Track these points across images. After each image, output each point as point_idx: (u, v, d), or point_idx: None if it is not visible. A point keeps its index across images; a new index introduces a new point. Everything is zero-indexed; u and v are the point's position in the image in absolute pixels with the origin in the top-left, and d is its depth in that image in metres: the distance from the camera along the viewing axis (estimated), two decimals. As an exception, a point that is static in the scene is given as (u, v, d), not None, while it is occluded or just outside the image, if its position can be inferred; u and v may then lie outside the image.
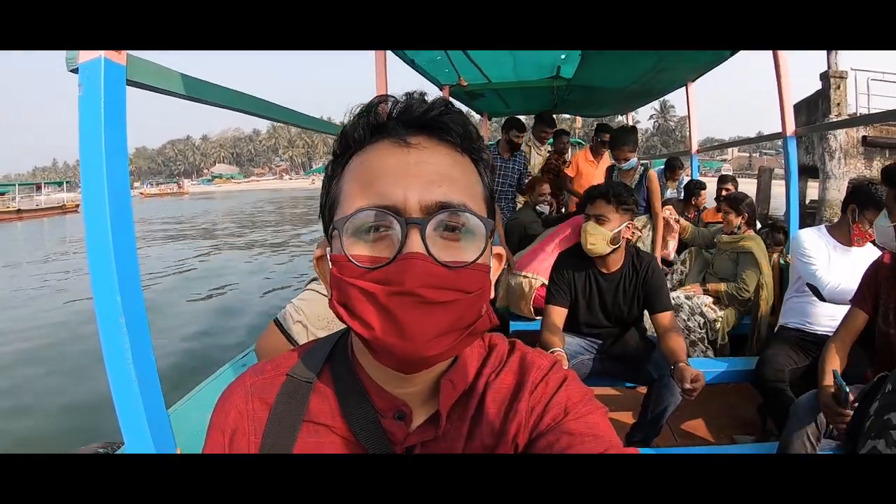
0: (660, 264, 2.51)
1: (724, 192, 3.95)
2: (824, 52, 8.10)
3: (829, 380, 1.55)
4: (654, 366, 1.95)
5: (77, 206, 31.79)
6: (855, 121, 4.93)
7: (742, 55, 3.42)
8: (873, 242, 2.00)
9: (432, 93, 0.50)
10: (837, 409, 1.46)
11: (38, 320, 6.89)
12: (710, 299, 2.78)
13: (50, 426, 3.89)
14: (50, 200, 35.71)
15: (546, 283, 2.83)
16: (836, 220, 6.88)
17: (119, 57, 1.00)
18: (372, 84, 2.81)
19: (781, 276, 3.03)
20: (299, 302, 1.34)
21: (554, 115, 4.82)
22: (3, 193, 35.07)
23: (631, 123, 3.13)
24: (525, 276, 2.90)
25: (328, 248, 0.49)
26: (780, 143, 2.98)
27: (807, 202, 8.43)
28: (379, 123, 0.47)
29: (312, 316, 1.31)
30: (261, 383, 0.54)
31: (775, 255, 2.99)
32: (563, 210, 4.75)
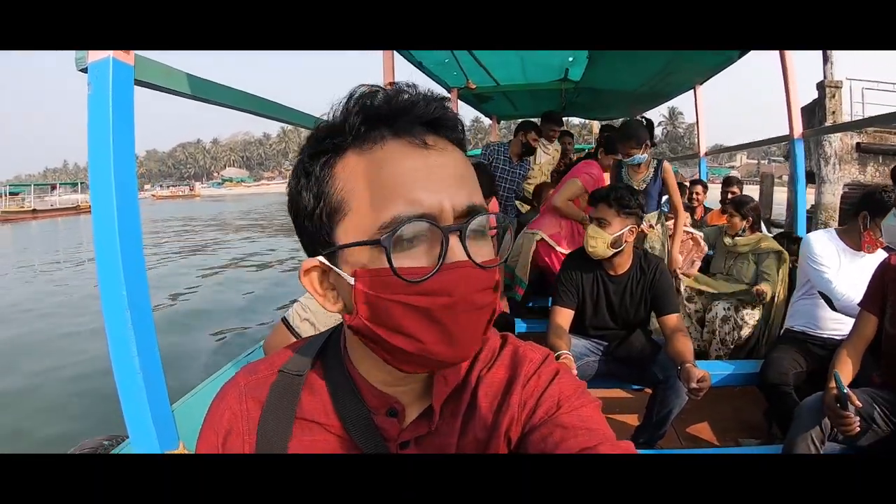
0: (670, 270, 2.50)
1: (729, 195, 3.91)
2: (821, 62, 8.36)
3: (832, 381, 1.53)
4: (659, 368, 1.94)
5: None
6: (861, 122, 4.92)
7: (749, 58, 3.40)
8: (885, 249, 1.97)
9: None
10: (838, 412, 1.44)
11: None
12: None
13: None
14: (63, 201, 36.28)
15: (544, 237, 2.92)
16: (832, 223, 6.84)
17: (127, 57, 1.02)
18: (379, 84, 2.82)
19: (789, 280, 3.00)
20: (306, 300, 1.34)
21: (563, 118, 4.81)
22: (16, 194, 35.75)
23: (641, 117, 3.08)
24: (526, 234, 3.00)
25: (324, 260, 0.45)
26: (782, 150, 2.96)
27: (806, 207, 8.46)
28: (386, 118, 0.44)
29: (319, 313, 1.32)
30: (254, 383, 0.53)
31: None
32: None
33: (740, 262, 2.87)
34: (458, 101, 4.83)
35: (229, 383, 0.55)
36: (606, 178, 3.01)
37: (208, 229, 19.94)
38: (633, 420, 2.35)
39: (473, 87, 4.41)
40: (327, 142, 0.45)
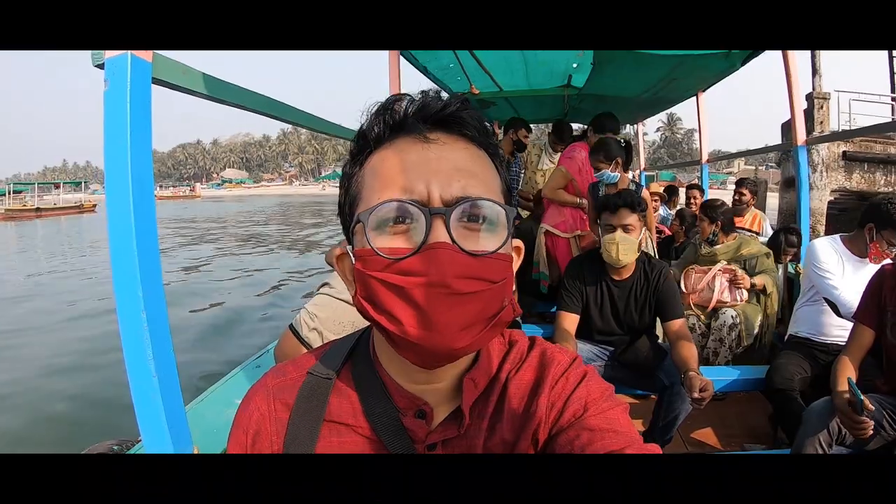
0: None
1: (742, 197, 3.85)
2: (810, 75, 8.79)
3: (843, 385, 1.54)
4: (665, 373, 1.94)
5: (94, 205, 32.76)
6: (866, 129, 5.01)
7: (750, 66, 3.41)
8: (894, 259, 1.98)
9: None
10: (854, 417, 1.45)
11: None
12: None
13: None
14: (66, 200, 36.38)
15: (548, 228, 2.99)
16: (819, 227, 7.01)
17: (146, 54, 1.00)
18: (385, 91, 2.85)
19: (790, 285, 3.01)
20: (313, 308, 1.33)
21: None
22: (19, 192, 35.86)
23: (621, 137, 3.12)
24: (539, 230, 3.07)
25: (349, 246, 0.49)
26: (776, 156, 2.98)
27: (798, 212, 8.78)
28: (397, 121, 0.48)
29: (328, 321, 1.30)
30: (282, 384, 0.54)
31: (788, 259, 2.95)
32: None
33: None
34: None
35: (258, 384, 0.56)
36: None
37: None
38: (638, 426, 2.35)
39: (477, 92, 4.42)
40: (359, 143, 0.50)
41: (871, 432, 1.45)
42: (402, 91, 0.52)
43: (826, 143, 7.82)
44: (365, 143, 0.49)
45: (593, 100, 4.75)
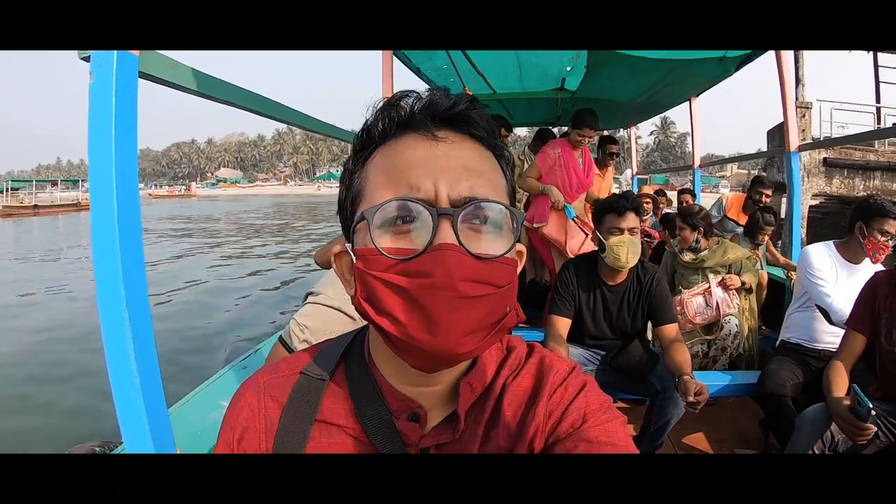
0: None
1: (764, 197, 3.73)
2: (793, 84, 9.32)
3: (839, 391, 1.54)
4: (657, 378, 1.93)
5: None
6: (861, 136, 5.15)
7: (747, 71, 3.44)
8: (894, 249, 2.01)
9: None
10: (858, 423, 1.45)
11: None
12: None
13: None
14: (63, 198, 36.33)
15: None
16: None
17: None
18: (378, 92, 2.83)
19: (782, 290, 3.03)
20: (302, 319, 1.30)
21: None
22: (17, 189, 35.83)
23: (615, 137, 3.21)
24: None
25: (348, 244, 0.48)
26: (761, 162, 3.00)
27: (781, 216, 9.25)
28: (403, 117, 0.47)
29: (318, 331, 1.28)
30: (274, 382, 0.53)
31: (766, 238, 2.99)
32: None
33: (704, 277, 2.75)
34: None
35: (249, 381, 0.55)
36: (576, 158, 3.15)
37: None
38: (629, 430, 2.34)
39: (470, 94, 4.41)
40: (360, 140, 0.49)
41: (869, 439, 1.46)
42: (395, 92, 0.51)
43: (808, 151, 8.02)
44: (369, 139, 0.48)
45: (586, 103, 4.77)
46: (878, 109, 10.80)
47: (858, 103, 10.69)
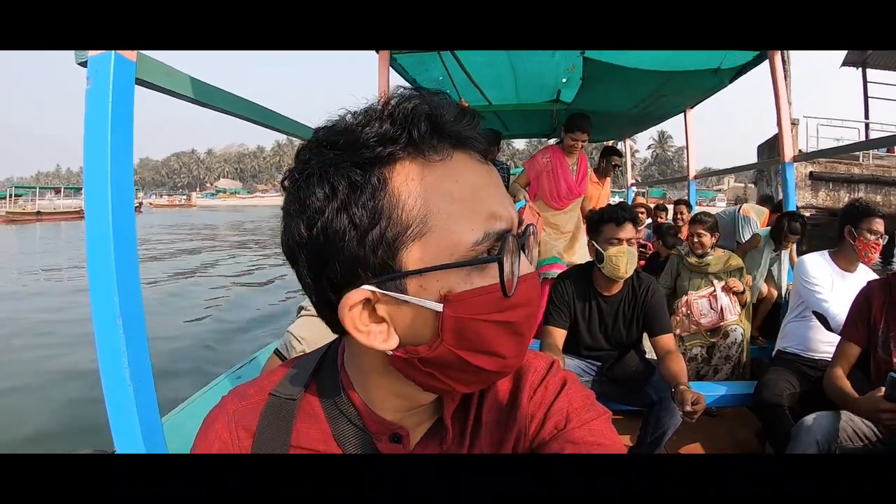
0: None
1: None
2: (768, 111, 9.78)
3: (854, 394, 1.52)
4: (653, 388, 1.93)
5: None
6: (856, 146, 5.23)
7: (738, 85, 3.49)
8: (882, 255, 2.03)
9: None
10: None
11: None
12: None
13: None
14: (66, 205, 36.53)
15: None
16: None
17: (129, 53, 0.98)
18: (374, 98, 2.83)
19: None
20: (298, 330, 1.29)
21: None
22: (20, 196, 36.55)
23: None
24: None
25: (377, 290, 0.39)
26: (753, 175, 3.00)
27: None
28: (444, 125, 0.40)
29: (314, 342, 1.27)
30: (244, 409, 0.50)
31: (793, 246, 2.93)
32: None
33: (708, 282, 2.82)
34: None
35: (217, 409, 0.51)
36: (568, 165, 3.12)
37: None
38: (626, 441, 2.33)
39: (466, 105, 4.45)
40: (379, 150, 0.38)
41: None
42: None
43: (801, 162, 8.20)
44: (395, 148, 0.38)
45: (582, 115, 4.81)
46: (867, 125, 11.29)
47: (844, 119, 11.66)
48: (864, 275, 2.12)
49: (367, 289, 0.39)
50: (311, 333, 1.28)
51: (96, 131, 0.94)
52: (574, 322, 2.02)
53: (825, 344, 2.14)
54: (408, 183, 0.38)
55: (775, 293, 3.13)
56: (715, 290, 2.66)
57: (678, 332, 2.67)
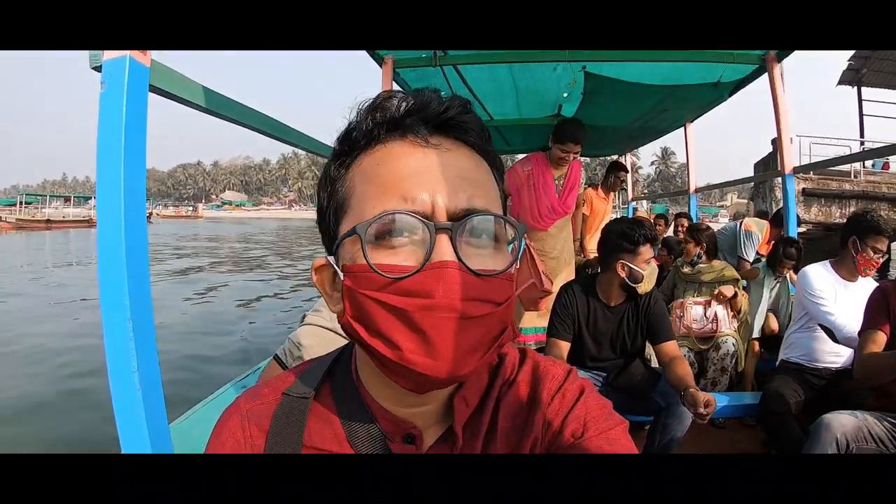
0: None
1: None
2: (768, 125, 10.15)
3: (891, 354, 1.49)
4: (660, 395, 1.92)
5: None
6: (856, 156, 5.29)
7: (739, 98, 3.51)
8: (878, 271, 2.03)
9: None
10: None
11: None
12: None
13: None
14: (75, 214, 36.97)
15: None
16: None
17: (144, 59, 0.98)
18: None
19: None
20: (297, 337, 1.29)
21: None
22: (30, 203, 37.48)
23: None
24: None
25: (331, 258, 0.44)
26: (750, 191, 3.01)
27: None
28: (393, 120, 0.43)
29: (313, 349, 1.27)
30: (257, 409, 0.50)
31: (788, 271, 2.93)
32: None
33: (704, 291, 2.84)
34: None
35: (231, 408, 0.51)
36: (552, 179, 2.80)
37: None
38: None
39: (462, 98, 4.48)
40: (344, 143, 0.45)
41: None
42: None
43: (801, 173, 8.26)
44: (353, 143, 0.44)
45: (584, 129, 4.84)
46: (862, 143, 11.72)
47: (838, 138, 11.94)
48: (867, 283, 2.12)
49: (326, 258, 0.45)
50: (310, 341, 1.28)
51: (110, 135, 0.93)
52: (579, 333, 2.03)
53: (830, 354, 2.14)
54: (354, 170, 0.44)
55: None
56: (711, 301, 2.72)
57: None
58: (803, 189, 8.96)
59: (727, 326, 2.65)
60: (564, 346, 1.98)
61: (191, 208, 73.62)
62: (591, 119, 4.33)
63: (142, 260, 0.97)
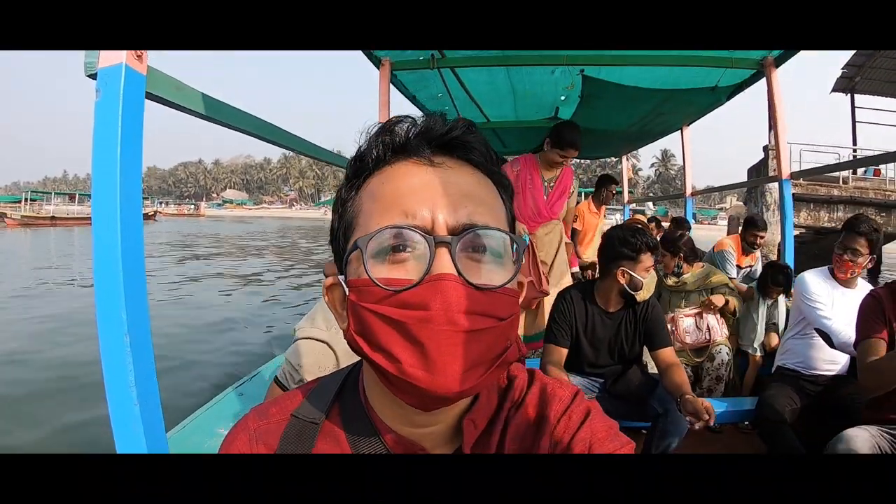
0: None
1: (758, 241, 3.72)
2: (766, 130, 10.21)
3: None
4: (658, 401, 1.92)
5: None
6: (853, 163, 5.34)
7: (736, 102, 3.52)
8: (869, 273, 2.03)
9: None
10: None
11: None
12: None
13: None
14: (74, 211, 37.03)
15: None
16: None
17: (140, 66, 0.97)
18: (375, 117, 2.81)
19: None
20: (294, 358, 1.29)
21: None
22: (35, 200, 37.42)
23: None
24: None
25: (341, 276, 0.46)
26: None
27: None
28: (398, 143, 0.45)
29: (310, 368, 1.26)
30: (265, 428, 0.50)
31: (778, 297, 2.89)
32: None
33: (692, 298, 2.82)
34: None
35: (238, 426, 0.52)
36: (541, 182, 2.80)
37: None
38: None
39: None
40: (354, 167, 0.47)
41: None
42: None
43: (777, 186, 8.49)
44: (363, 166, 0.46)
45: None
46: (854, 150, 12.05)
47: (828, 145, 12.53)
48: (864, 290, 2.12)
49: (337, 276, 0.46)
50: (306, 361, 1.27)
51: (105, 145, 0.92)
52: (576, 340, 2.03)
53: (826, 362, 2.15)
54: (363, 192, 0.46)
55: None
56: (701, 312, 2.72)
57: None
58: (793, 194, 9.44)
59: (719, 334, 2.66)
60: (562, 353, 1.98)
61: (193, 207, 73.39)
62: (587, 122, 4.33)
63: (139, 274, 0.96)
